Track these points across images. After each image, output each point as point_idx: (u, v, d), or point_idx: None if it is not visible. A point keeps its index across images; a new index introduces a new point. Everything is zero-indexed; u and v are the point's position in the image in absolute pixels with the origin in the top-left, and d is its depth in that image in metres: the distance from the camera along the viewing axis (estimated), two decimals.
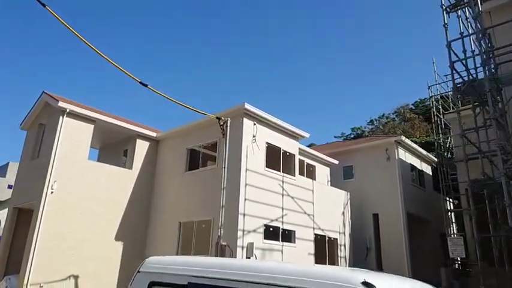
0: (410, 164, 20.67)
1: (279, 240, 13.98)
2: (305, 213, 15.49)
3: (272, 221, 13.86)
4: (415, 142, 24.57)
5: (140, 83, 9.71)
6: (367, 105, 74.15)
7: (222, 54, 78.93)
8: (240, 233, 12.57)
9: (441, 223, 20.00)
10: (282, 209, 14.39)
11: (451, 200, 20.03)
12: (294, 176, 15.53)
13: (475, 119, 11.04)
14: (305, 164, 18.33)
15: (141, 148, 16.59)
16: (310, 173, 18.65)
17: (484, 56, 10.04)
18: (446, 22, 11.34)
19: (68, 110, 14.09)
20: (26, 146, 16.67)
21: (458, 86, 10.71)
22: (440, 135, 19.62)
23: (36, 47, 65.48)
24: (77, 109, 14.39)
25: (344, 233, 17.52)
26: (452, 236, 17.84)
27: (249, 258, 12.46)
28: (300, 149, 16.78)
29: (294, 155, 15.86)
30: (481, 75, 10.61)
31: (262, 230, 13.40)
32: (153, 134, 16.92)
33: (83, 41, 7.97)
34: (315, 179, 18.06)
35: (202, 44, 74.27)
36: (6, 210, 18.02)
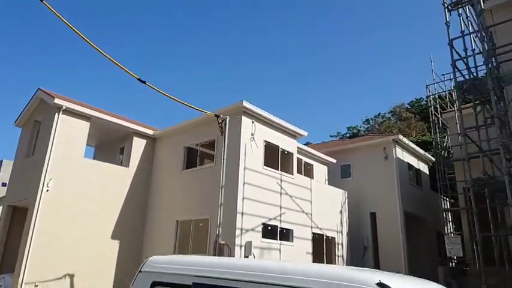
0: (408, 163, 20.67)
1: (277, 239, 13.89)
2: (303, 212, 15.42)
3: (270, 219, 13.77)
4: (412, 141, 24.58)
5: (139, 79, 9.58)
6: (362, 105, 74.36)
7: (220, 53, 78.77)
8: (238, 232, 12.47)
9: (437, 222, 20.04)
10: (280, 207, 14.31)
11: (447, 199, 20.05)
12: (292, 174, 15.44)
13: (475, 118, 11.00)
14: (303, 162, 18.26)
15: (138, 146, 16.43)
16: (308, 171, 18.59)
17: (487, 54, 9.99)
18: (448, 20, 11.29)
19: (63, 107, 13.90)
20: (21, 143, 16.45)
21: (460, 84, 10.65)
22: (438, 134, 19.62)
23: (34, 47, 65.06)
24: (73, 106, 14.20)
25: (342, 232, 17.47)
26: (450, 235, 17.86)
27: (247, 257, 12.37)
28: (298, 147, 16.70)
29: (292, 153, 15.78)
30: (481, 74, 10.58)
31: (260, 228, 13.31)
32: (150, 132, 16.77)
33: (79, 34, 7.82)
34: (312, 178, 17.99)
35: (202, 44, 74.08)
36: (0, 208, 17.78)
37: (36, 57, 67.16)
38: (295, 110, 76.26)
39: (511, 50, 10.06)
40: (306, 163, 18.59)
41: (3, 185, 26.69)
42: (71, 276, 13.27)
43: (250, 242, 12.53)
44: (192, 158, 15.46)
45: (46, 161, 13.29)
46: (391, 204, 18.48)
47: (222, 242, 11.25)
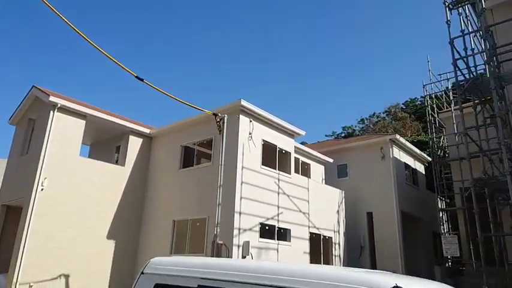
0: (404, 162, 20.69)
1: (274, 239, 13.81)
2: (300, 211, 15.35)
3: (268, 219, 13.68)
4: (407, 141, 24.62)
5: (136, 77, 9.46)
6: (357, 105, 74.36)
7: (220, 53, 78.36)
8: (236, 232, 12.38)
9: (433, 221, 20.09)
10: (278, 207, 14.23)
11: (444, 198, 20.09)
12: (290, 174, 15.36)
13: (475, 117, 10.99)
14: (300, 162, 18.21)
15: (134, 145, 16.26)
16: (305, 171, 18.53)
17: (489, 54, 9.97)
18: (448, 19, 11.27)
19: (58, 105, 13.71)
20: (15, 141, 16.22)
21: (461, 83, 10.64)
22: (434, 134, 19.64)
23: (34, 47, 64.42)
24: (68, 104, 14.01)
25: (338, 232, 17.43)
26: (446, 234, 17.88)
27: (245, 257, 12.29)
28: (295, 146, 16.63)
29: (290, 152, 15.70)
30: (481, 74, 10.57)
31: (258, 228, 13.22)
32: (147, 131, 16.60)
33: (74, 29, 7.68)
34: (309, 177, 17.93)
35: (202, 44, 73.64)
36: None
37: (36, 57, 66.57)
38: (290, 110, 76.14)
39: (511, 50, 10.05)
40: (303, 162, 18.53)
41: None
42: (66, 277, 13.10)
43: (248, 242, 12.45)
44: (189, 157, 15.33)
45: (41, 160, 13.10)
46: (388, 204, 18.48)
47: (220, 242, 11.15)
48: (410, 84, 68.89)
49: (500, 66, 10.38)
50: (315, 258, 15.61)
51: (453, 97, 19.98)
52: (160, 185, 15.75)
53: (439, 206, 19.34)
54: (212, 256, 10.86)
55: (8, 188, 15.20)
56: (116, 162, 16.43)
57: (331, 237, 16.88)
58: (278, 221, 14.09)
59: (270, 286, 3.01)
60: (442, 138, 20.86)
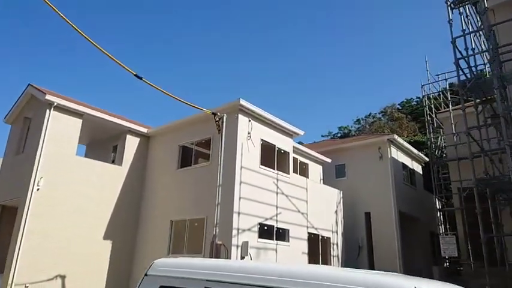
0: (402, 163, 20.69)
1: (273, 239, 13.72)
2: (299, 211, 15.27)
3: (266, 219, 13.59)
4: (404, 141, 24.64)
5: (135, 75, 9.34)
6: (353, 105, 74.51)
7: (220, 52, 78.04)
8: (234, 232, 12.27)
9: (431, 222, 20.11)
10: (276, 207, 14.14)
11: (442, 199, 20.12)
12: (288, 173, 15.28)
13: (477, 117, 10.97)
14: (298, 162, 18.13)
15: (132, 144, 16.10)
16: (303, 171, 18.47)
17: (492, 53, 9.95)
18: (451, 18, 11.26)
19: (55, 104, 13.53)
20: (10, 140, 16.01)
21: (463, 83, 10.61)
22: (432, 134, 19.65)
23: (34, 47, 63.87)
24: (65, 102, 13.84)
25: (337, 232, 17.37)
26: (443, 235, 17.89)
27: (244, 258, 12.19)
28: (293, 146, 16.55)
29: (289, 152, 15.62)
30: (483, 74, 10.55)
31: (256, 228, 13.12)
32: (144, 130, 16.45)
33: (74, 27, 7.55)
34: (308, 177, 17.87)
35: (201, 43, 73.27)
36: None
37: (36, 57, 66.01)
38: (286, 110, 76.07)
39: None
40: (301, 162, 18.47)
41: None
42: (63, 277, 12.93)
43: (247, 242, 12.35)
44: (187, 157, 15.20)
45: (37, 159, 12.92)
46: (386, 204, 18.46)
47: (219, 243, 11.03)
48: (406, 85, 69.03)
49: (502, 66, 10.36)
50: (313, 258, 15.54)
51: (451, 97, 19.99)
52: (157, 185, 15.61)
53: (437, 206, 19.37)
54: (211, 257, 10.75)
55: (3, 188, 14.98)
56: (113, 162, 16.27)
57: (330, 238, 16.82)
58: (277, 221, 14.00)
59: None
60: (440, 138, 20.89)
